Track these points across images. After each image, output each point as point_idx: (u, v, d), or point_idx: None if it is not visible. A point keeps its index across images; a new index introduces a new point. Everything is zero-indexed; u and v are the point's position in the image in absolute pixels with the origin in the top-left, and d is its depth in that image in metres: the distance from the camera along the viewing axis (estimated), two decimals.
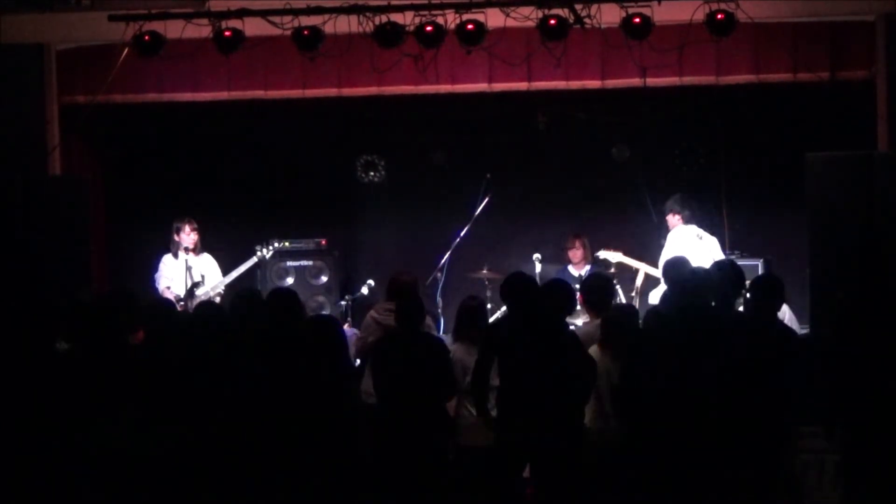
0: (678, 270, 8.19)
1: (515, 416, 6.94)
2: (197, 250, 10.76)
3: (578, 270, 11.46)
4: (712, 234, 11.00)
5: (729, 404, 6.39)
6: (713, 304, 6.90)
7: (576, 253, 11.54)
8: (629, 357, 6.91)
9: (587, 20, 9.40)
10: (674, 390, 6.49)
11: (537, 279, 10.75)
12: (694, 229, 10.80)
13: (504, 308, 8.51)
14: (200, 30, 9.65)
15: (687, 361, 6.49)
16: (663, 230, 11.14)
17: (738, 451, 6.39)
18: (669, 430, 6.52)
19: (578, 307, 10.16)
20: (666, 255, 10.15)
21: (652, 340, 6.85)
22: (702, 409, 6.41)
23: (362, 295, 11.25)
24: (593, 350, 7.29)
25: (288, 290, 7.68)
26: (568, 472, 6.92)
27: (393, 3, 9.50)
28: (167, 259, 10.87)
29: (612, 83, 10.69)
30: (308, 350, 6.69)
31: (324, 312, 11.32)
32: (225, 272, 10.91)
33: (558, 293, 7.24)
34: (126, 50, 9.96)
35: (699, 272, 7.47)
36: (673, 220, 10.90)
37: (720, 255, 10.59)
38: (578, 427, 7.00)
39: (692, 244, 10.58)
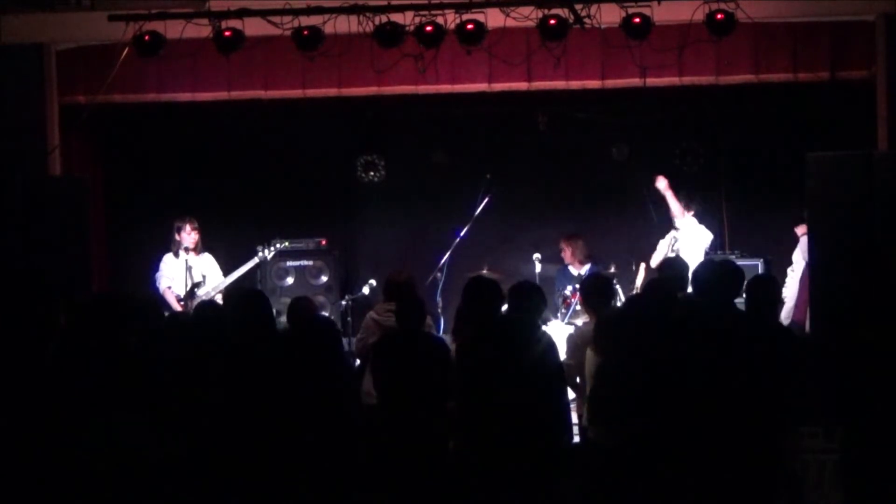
0: (675, 270, 8.23)
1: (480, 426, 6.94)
2: (198, 250, 10.78)
3: (578, 270, 11.47)
4: (713, 233, 11.09)
5: (729, 404, 6.38)
6: (714, 304, 6.89)
7: (565, 254, 11.59)
8: (625, 356, 6.90)
9: (587, 20, 9.39)
10: (674, 391, 6.49)
11: (537, 279, 10.79)
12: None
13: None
14: (200, 30, 9.64)
15: (687, 362, 6.48)
16: (663, 230, 11.14)
17: (738, 451, 6.38)
18: (669, 432, 6.51)
19: (578, 307, 10.19)
20: (690, 252, 10.20)
21: (651, 340, 6.84)
22: (701, 409, 6.40)
23: (362, 295, 11.26)
24: (589, 352, 7.28)
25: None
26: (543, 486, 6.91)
27: (393, 3, 9.49)
28: (168, 259, 10.88)
29: (612, 83, 10.68)
30: (305, 352, 6.69)
31: (324, 313, 11.35)
32: (225, 272, 10.92)
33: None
34: (126, 50, 9.95)
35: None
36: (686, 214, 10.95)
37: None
38: (553, 435, 7.00)
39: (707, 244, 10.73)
